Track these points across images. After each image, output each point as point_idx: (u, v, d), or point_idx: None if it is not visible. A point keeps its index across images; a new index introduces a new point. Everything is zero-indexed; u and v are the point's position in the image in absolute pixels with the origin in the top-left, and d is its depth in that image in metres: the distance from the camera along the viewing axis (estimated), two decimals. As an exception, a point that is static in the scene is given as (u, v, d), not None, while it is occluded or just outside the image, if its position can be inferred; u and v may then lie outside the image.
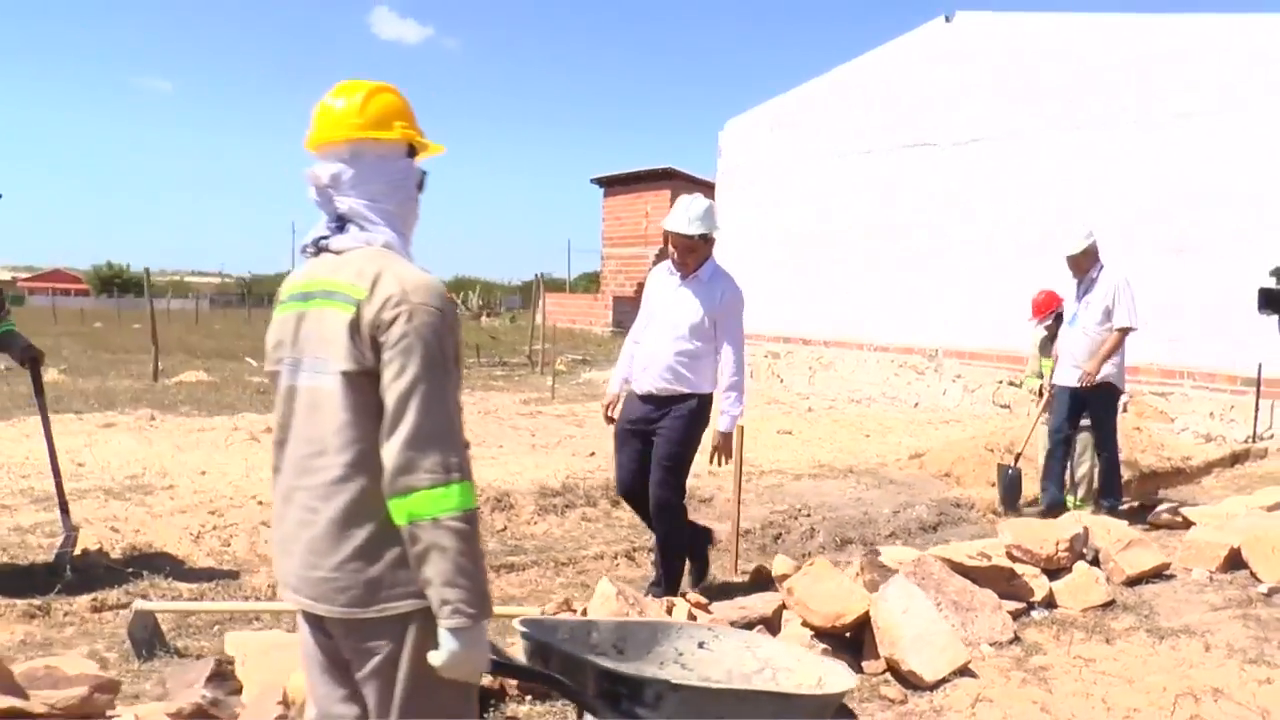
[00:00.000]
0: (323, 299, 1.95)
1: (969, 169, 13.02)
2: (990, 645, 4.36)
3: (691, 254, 4.67)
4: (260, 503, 5.98)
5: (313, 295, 1.99)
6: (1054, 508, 6.53)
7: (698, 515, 6.04)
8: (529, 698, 3.46)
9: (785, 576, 4.38)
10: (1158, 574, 5.52)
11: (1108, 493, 6.79)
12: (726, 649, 2.76)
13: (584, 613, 4.05)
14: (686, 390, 4.63)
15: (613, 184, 33.18)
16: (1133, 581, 5.39)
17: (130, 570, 4.83)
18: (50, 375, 12.18)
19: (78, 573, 4.75)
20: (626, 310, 26.86)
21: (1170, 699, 3.92)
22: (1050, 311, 7.41)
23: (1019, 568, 5.02)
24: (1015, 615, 4.71)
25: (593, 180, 34.05)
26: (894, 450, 9.13)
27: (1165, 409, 10.68)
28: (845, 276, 14.77)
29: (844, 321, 14.76)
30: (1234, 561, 5.60)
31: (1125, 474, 8.27)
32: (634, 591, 3.99)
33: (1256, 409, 9.89)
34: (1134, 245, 11.09)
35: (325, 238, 2.01)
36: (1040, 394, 7.32)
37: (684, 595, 4.33)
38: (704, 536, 5.11)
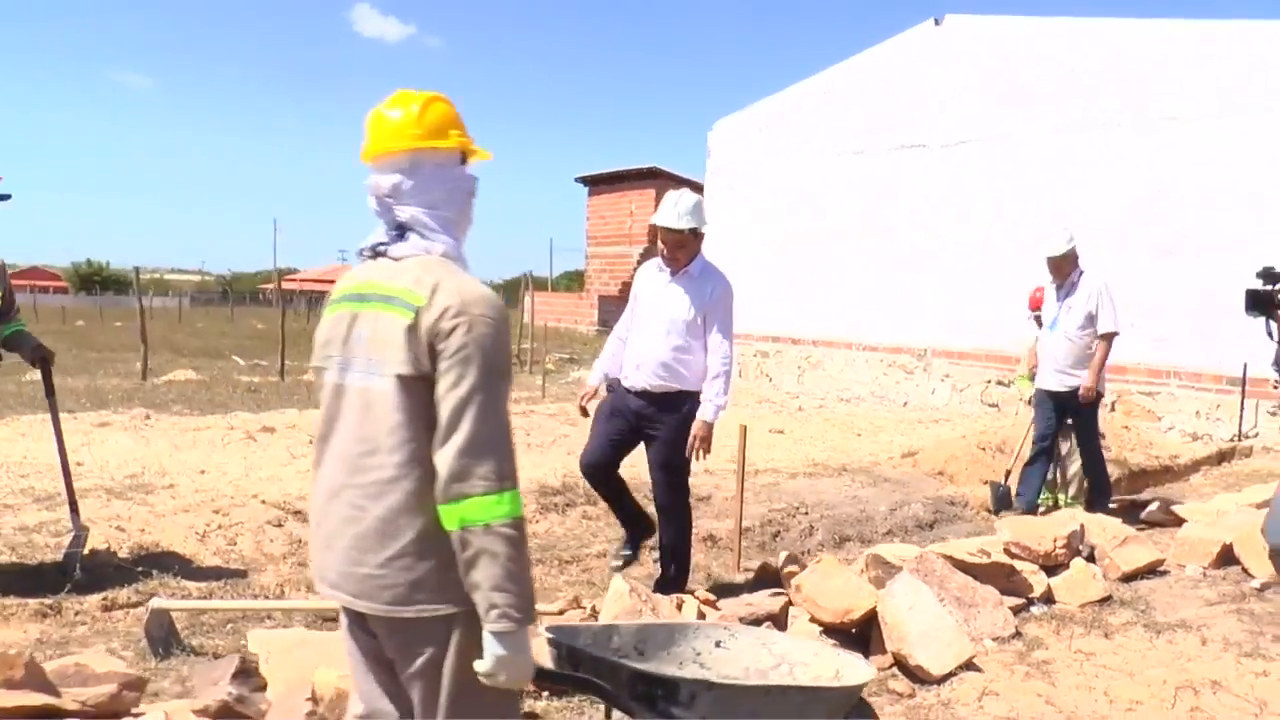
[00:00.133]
0: (380, 303, 1.98)
1: (958, 170, 13.15)
2: (993, 640, 4.44)
3: (681, 249, 4.65)
4: (263, 502, 6.00)
5: (368, 298, 2.02)
6: (1029, 514, 6.59)
7: (696, 512, 6.10)
8: (545, 694, 3.52)
9: (792, 574, 4.46)
10: (1152, 570, 5.63)
11: (1099, 492, 6.83)
12: (743, 646, 2.82)
13: (593, 610, 4.10)
14: (680, 387, 4.61)
15: (597, 183, 33.18)
16: (1128, 577, 5.49)
17: (140, 570, 4.84)
18: (36, 374, 12.12)
19: (87, 572, 4.75)
20: (611, 309, 26.89)
21: (1171, 691, 4.02)
22: None
23: (1018, 564, 5.12)
24: (1015, 611, 4.79)
25: (577, 179, 34.04)
26: (886, 449, 9.22)
27: (1152, 408, 10.84)
28: (834, 276, 14.87)
29: (833, 321, 14.87)
30: (1226, 557, 5.72)
31: (1115, 472, 8.40)
32: (646, 589, 4.04)
33: (1242, 408, 10.05)
34: (1122, 247, 11.25)
35: (385, 244, 2.04)
36: (1030, 402, 7.37)
37: (692, 593, 4.39)
38: (646, 529, 5.04)
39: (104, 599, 4.58)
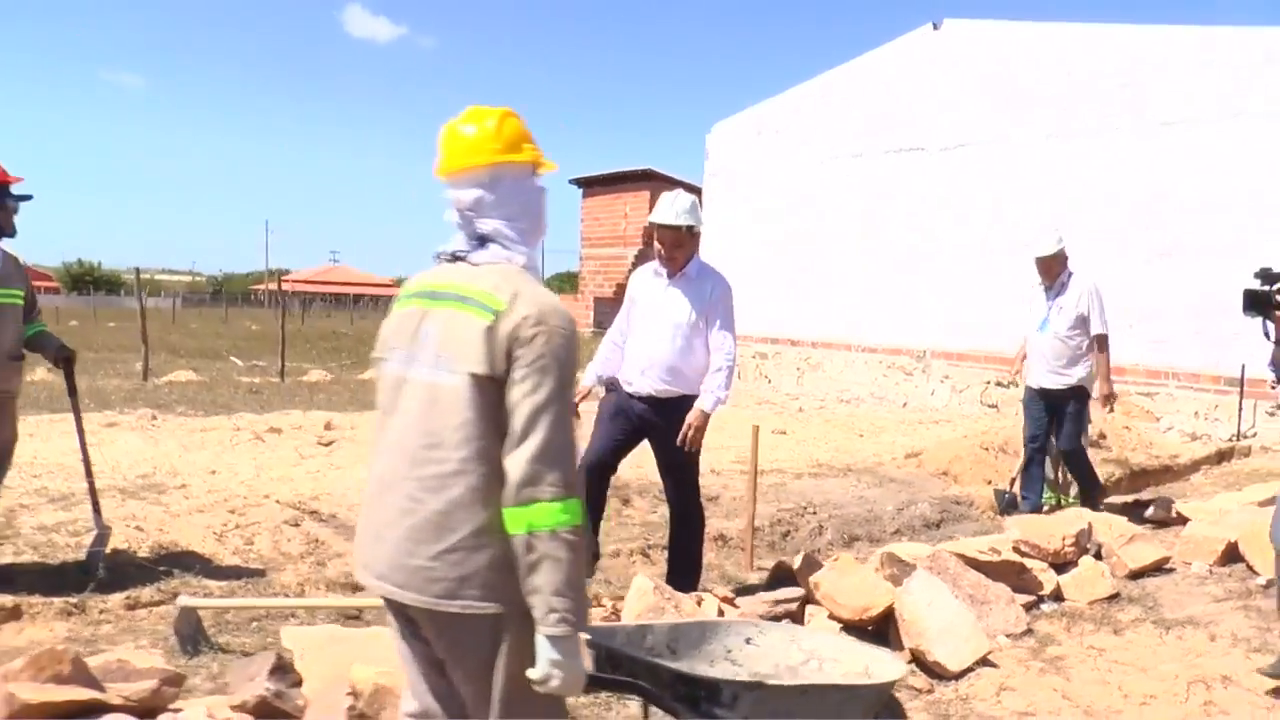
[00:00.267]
0: (456, 302, 2.03)
1: (957, 174, 13.25)
2: (1006, 637, 4.52)
3: (679, 248, 4.63)
4: (278, 502, 6.04)
5: (443, 296, 2.07)
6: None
7: (705, 513, 6.15)
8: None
9: (809, 573, 4.52)
10: (1158, 568, 5.72)
11: (1088, 490, 6.86)
12: (772, 643, 2.87)
13: (615, 609, 4.16)
14: (686, 391, 4.58)
15: (591, 185, 33.21)
16: (1135, 575, 5.58)
17: (161, 569, 4.88)
18: (39, 374, 12.12)
19: (109, 571, 4.79)
20: (606, 311, 26.92)
21: (1183, 686, 4.10)
22: None
23: (1027, 562, 5.20)
24: (1026, 608, 4.87)
25: (572, 181, 34.06)
26: (889, 449, 9.29)
27: (1151, 409, 10.94)
28: (833, 278, 14.96)
29: (832, 323, 14.96)
30: (1231, 555, 5.81)
31: (1116, 472, 8.52)
32: (668, 586, 4.10)
33: (1240, 408, 10.16)
34: (1120, 250, 11.36)
35: (466, 251, 2.11)
36: None
37: (710, 591, 4.45)
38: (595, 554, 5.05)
39: (127, 598, 4.61)
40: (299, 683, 3.21)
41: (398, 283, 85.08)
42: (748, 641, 2.82)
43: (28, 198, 4.77)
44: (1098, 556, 5.59)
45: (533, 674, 1.93)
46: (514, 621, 1.99)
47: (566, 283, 50.39)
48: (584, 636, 2.20)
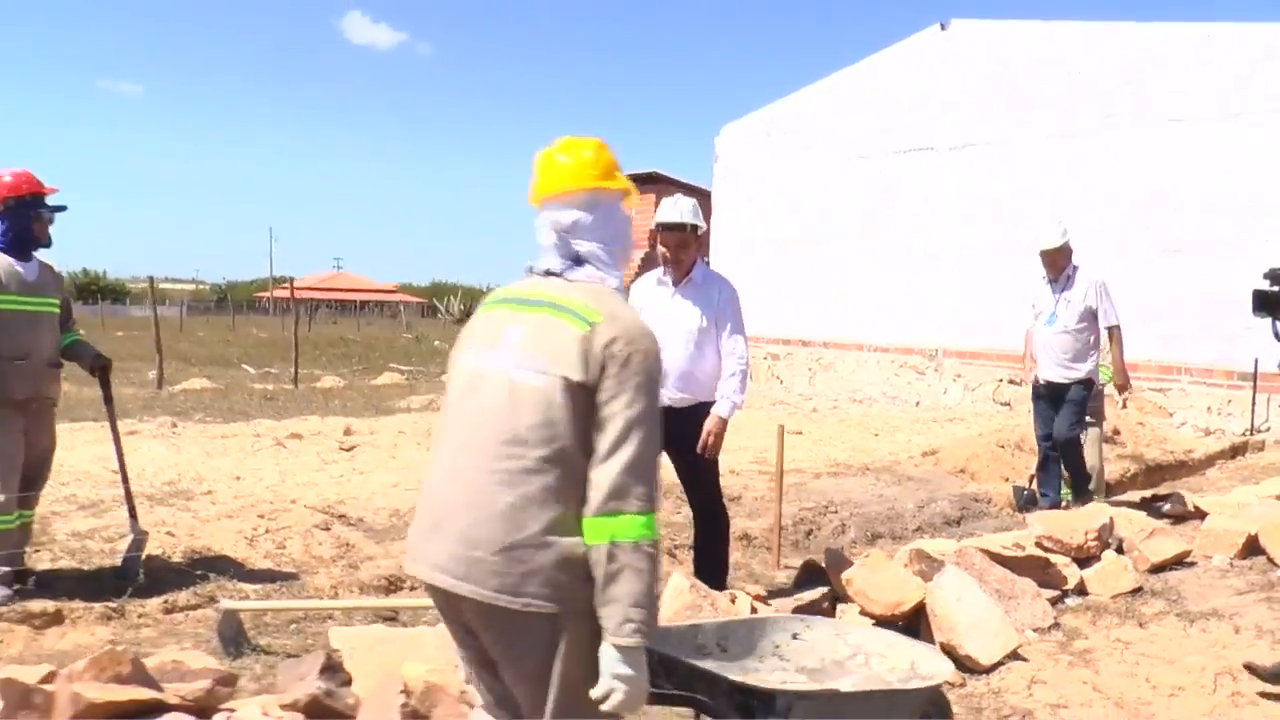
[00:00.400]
0: (550, 309, 2.10)
1: (966, 173, 13.31)
2: (1034, 631, 4.57)
3: (684, 249, 4.61)
4: (308, 507, 6.10)
5: (535, 303, 2.14)
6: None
7: (728, 513, 6.21)
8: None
9: (839, 569, 4.58)
10: (1179, 561, 5.76)
11: (1079, 485, 6.85)
12: (819, 638, 2.91)
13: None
14: (703, 398, 4.56)
15: (597, 188, 33.27)
16: (1157, 569, 5.62)
17: (198, 573, 4.94)
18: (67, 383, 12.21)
19: (146, 576, 4.85)
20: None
21: (1210, 678, 4.14)
22: None
23: (1051, 557, 5.24)
24: (1051, 602, 4.92)
25: (577, 184, 34.15)
26: (904, 448, 9.34)
27: (1164, 404, 10.99)
28: (844, 278, 15.02)
29: (843, 323, 15.01)
30: (1252, 548, 5.85)
31: (1131, 467, 8.57)
32: (704, 584, 4.16)
33: (1254, 403, 10.20)
34: (1130, 246, 11.41)
35: (560, 269, 2.18)
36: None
37: (743, 589, 4.51)
38: None
39: (165, 601, 4.67)
40: (348, 681, 3.26)
41: (402, 289, 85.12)
42: (794, 637, 2.86)
43: (62, 208, 4.85)
44: (1119, 551, 5.63)
45: (595, 691, 1.96)
46: (571, 623, 2.01)
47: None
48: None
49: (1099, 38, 12.17)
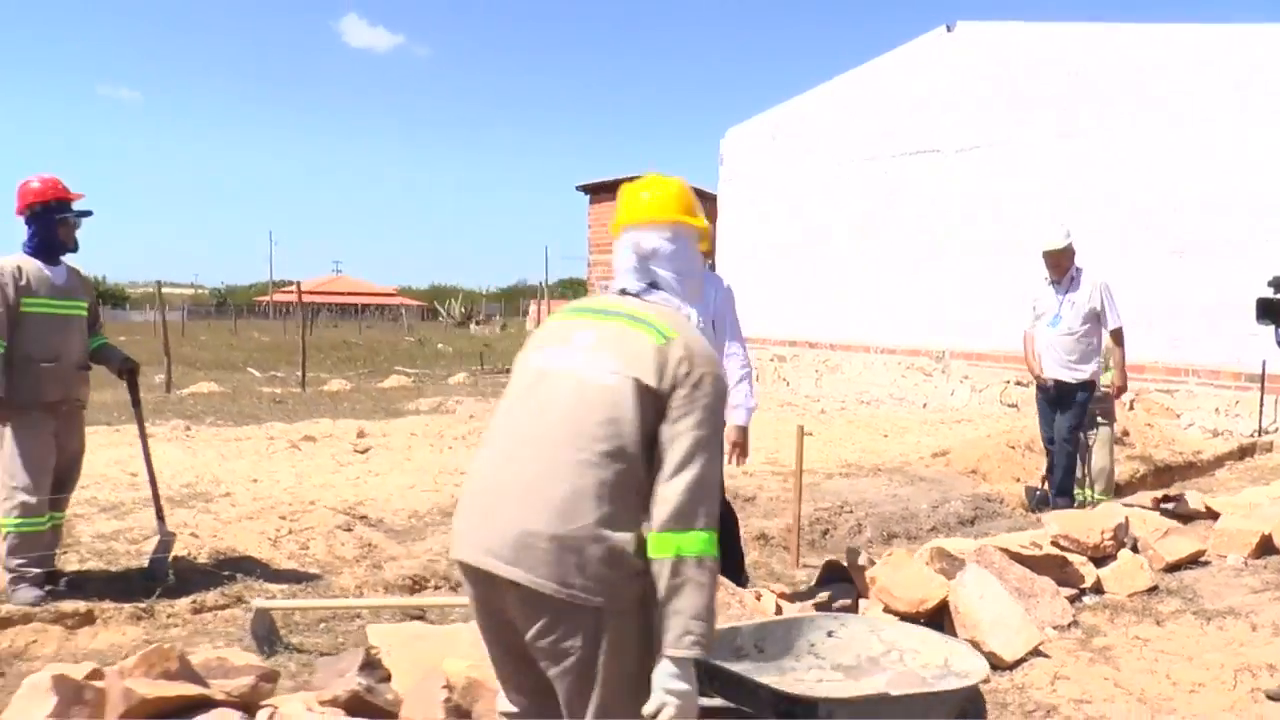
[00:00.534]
0: (628, 320, 2.20)
1: (973, 174, 13.37)
2: (1053, 628, 4.61)
3: None
4: (328, 508, 6.15)
5: (612, 313, 2.25)
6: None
7: (743, 513, 6.26)
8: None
9: (862, 568, 4.63)
10: (1194, 560, 5.80)
11: (1063, 489, 6.81)
12: (853, 635, 2.96)
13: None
14: None
15: (599, 191, 33.31)
16: (1172, 568, 5.66)
17: (225, 574, 4.99)
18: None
19: (170, 577, 4.90)
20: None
21: (1229, 674, 4.18)
22: None
23: (1069, 556, 5.29)
24: (1069, 600, 4.97)
25: (579, 187, 34.20)
26: (914, 449, 9.39)
27: (1171, 405, 11.04)
28: (850, 280, 15.08)
29: (850, 324, 15.07)
30: (1265, 547, 5.90)
31: (1140, 468, 8.62)
32: (730, 582, 4.21)
33: (1261, 404, 10.25)
34: (1137, 247, 11.47)
35: (637, 291, 2.31)
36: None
37: (768, 587, 4.56)
38: None
39: (193, 602, 4.72)
40: (387, 678, 3.32)
41: (401, 292, 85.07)
42: (830, 635, 2.91)
43: (88, 213, 4.92)
44: (1135, 550, 5.67)
45: (648, 708, 2.01)
46: (615, 619, 2.05)
47: (569, 289, 50.41)
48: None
49: (1104, 39, 12.23)
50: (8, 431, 4.57)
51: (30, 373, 4.57)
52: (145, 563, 5.01)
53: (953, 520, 6.85)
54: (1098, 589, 5.25)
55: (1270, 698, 3.98)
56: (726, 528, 4.92)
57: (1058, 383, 6.76)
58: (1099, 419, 7.17)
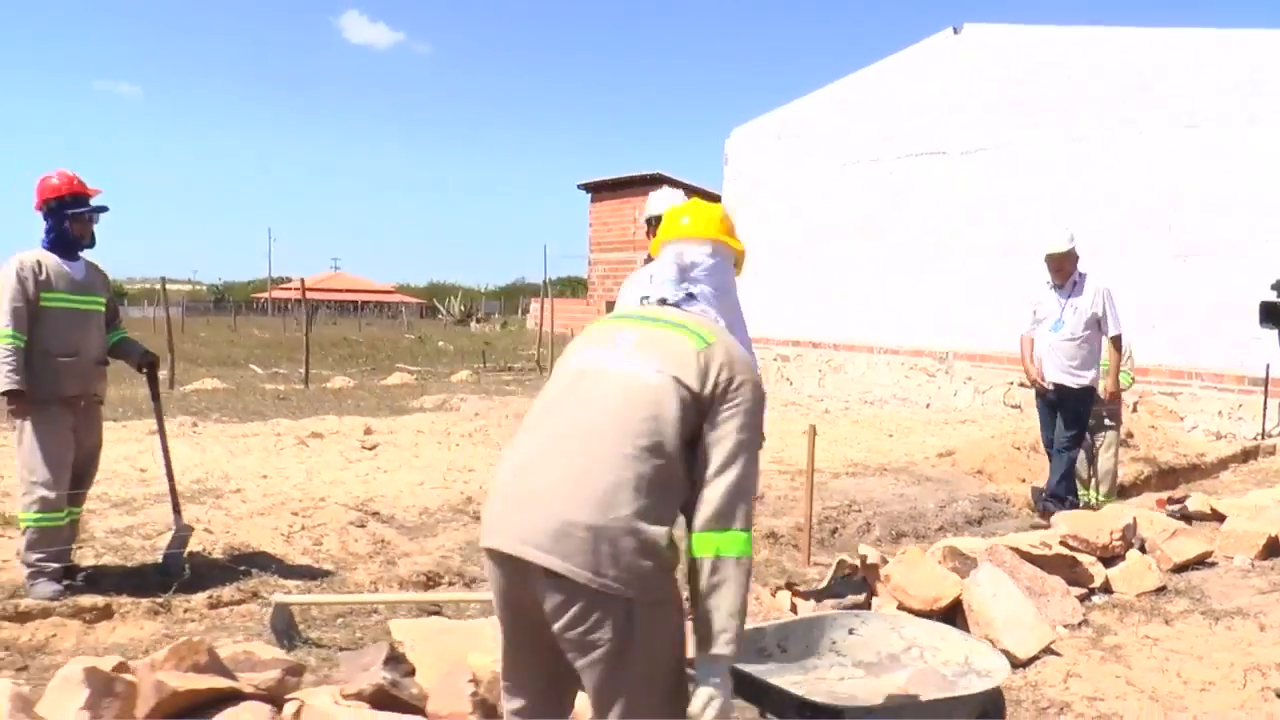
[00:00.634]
0: (671, 325, 2.29)
1: (978, 176, 13.41)
2: (1064, 627, 4.65)
3: None
4: (340, 504, 6.18)
5: (653, 319, 2.34)
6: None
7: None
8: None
9: (874, 566, 4.66)
10: (1201, 561, 5.84)
11: (1057, 493, 6.75)
12: (874, 632, 2.99)
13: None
14: None
15: (600, 190, 33.42)
16: (1179, 569, 5.70)
17: (241, 569, 5.02)
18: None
19: (186, 572, 4.93)
20: (619, 315, 27.01)
21: (1239, 673, 4.22)
22: None
23: (1078, 556, 5.33)
24: (1080, 600, 5.01)
25: (580, 186, 34.30)
26: (919, 449, 9.43)
27: (1174, 408, 11.08)
28: (854, 280, 15.12)
29: (853, 325, 15.12)
30: (1272, 549, 5.95)
31: (1145, 470, 8.66)
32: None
33: (1265, 408, 10.30)
34: (1141, 250, 11.52)
35: (676, 301, 2.40)
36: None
37: (783, 586, 4.60)
38: None
39: (210, 597, 4.75)
40: (411, 672, 3.34)
41: (399, 289, 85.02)
42: (850, 632, 2.94)
43: (104, 209, 4.93)
44: (1142, 550, 5.71)
45: (693, 707, 2.07)
46: (644, 611, 2.08)
47: (568, 287, 50.36)
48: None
49: (1109, 43, 12.28)
50: (27, 426, 4.59)
51: (49, 368, 4.60)
52: (160, 558, 5.02)
53: (960, 520, 6.89)
54: (1106, 589, 5.29)
55: None
56: None
57: (1058, 387, 6.73)
58: (1106, 421, 7.21)
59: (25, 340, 4.52)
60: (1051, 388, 6.80)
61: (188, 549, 5.08)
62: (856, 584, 4.80)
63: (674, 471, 2.12)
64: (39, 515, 4.58)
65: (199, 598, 4.74)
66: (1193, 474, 8.98)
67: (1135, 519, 5.80)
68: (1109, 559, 5.48)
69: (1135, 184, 11.82)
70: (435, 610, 4.53)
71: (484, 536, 2.25)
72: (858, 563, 4.91)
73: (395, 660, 3.37)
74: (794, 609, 4.28)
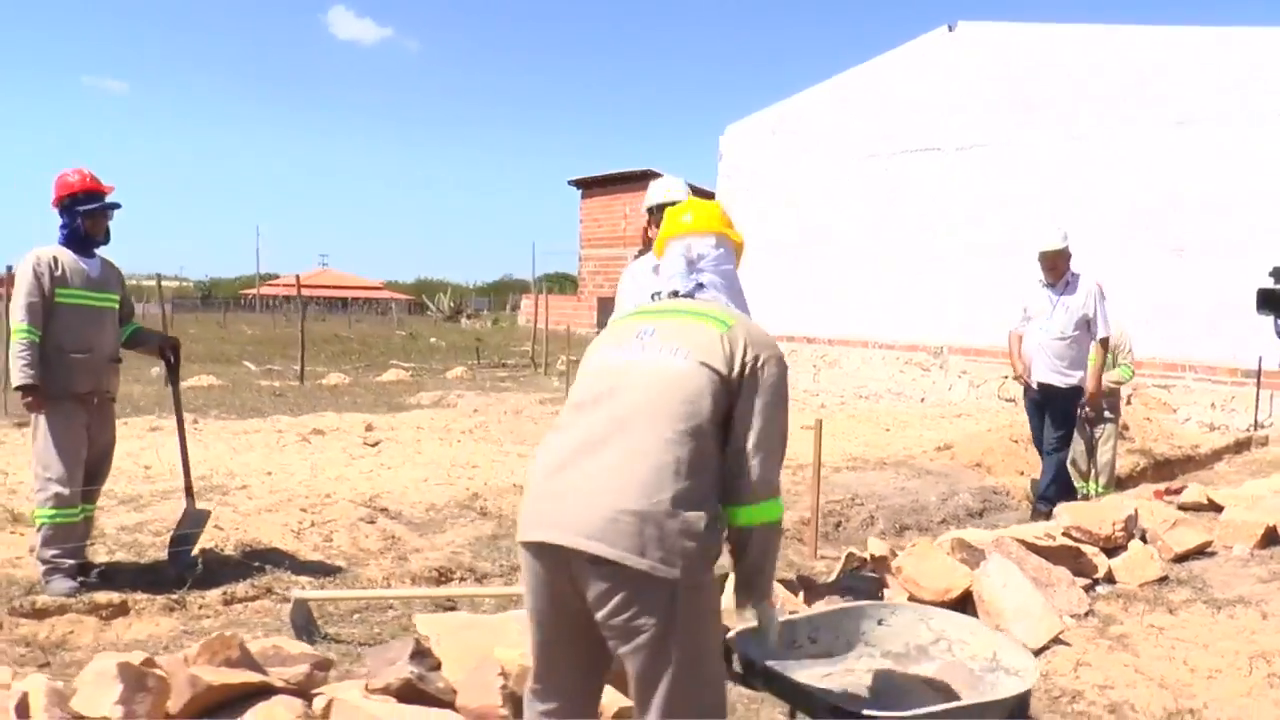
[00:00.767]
0: (690, 314, 2.39)
1: (972, 173, 13.50)
2: (1071, 617, 4.71)
3: None
4: (350, 501, 6.20)
5: (672, 311, 2.43)
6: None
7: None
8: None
9: (884, 558, 4.72)
10: (1201, 551, 5.92)
11: (1046, 497, 6.68)
12: (903, 623, 3.01)
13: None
14: None
15: (590, 186, 33.44)
16: (1180, 558, 5.77)
17: (255, 565, 5.04)
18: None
19: (199, 568, 4.94)
20: (610, 310, 27.01)
21: (1245, 661, 4.29)
22: None
23: (1081, 547, 5.40)
24: (1084, 590, 5.07)
25: (570, 182, 34.31)
26: (917, 443, 9.50)
27: (1168, 400, 11.19)
28: (849, 276, 15.20)
29: (848, 320, 15.20)
30: (1270, 538, 6.02)
31: (1141, 462, 8.75)
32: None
33: (1257, 399, 10.41)
34: (1134, 246, 11.62)
35: (688, 291, 2.51)
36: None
37: (794, 579, 4.65)
38: None
39: (224, 593, 4.77)
40: (437, 666, 3.37)
41: (387, 286, 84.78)
42: (880, 623, 2.97)
43: (118, 206, 4.94)
44: (1144, 540, 5.78)
45: (754, 624, 2.39)
46: (688, 592, 2.14)
47: (556, 283, 50.27)
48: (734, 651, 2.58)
49: (1104, 40, 12.37)
50: (41, 422, 4.61)
51: (63, 364, 4.61)
52: (175, 550, 5.02)
53: (962, 513, 6.97)
54: (1110, 579, 5.35)
55: None
56: None
57: (1046, 387, 6.70)
58: (1106, 414, 7.28)
59: (40, 335, 4.53)
60: (1037, 385, 6.78)
61: (198, 546, 5.09)
62: (866, 576, 4.86)
63: (711, 452, 2.22)
64: (54, 511, 4.59)
65: (213, 594, 4.76)
66: (1188, 465, 9.08)
67: (1136, 510, 5.86)
68: (1111, 549, 5.54)
69: (1130, 181, 11.93)
70: (451, 605, 4.55)
71: (523, 532, 2.29)
72: (866, 556, 4.98)
73: (421, 655, 3.40)
74: (807, 602, 4.33)
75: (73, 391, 4.65)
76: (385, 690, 3.23)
